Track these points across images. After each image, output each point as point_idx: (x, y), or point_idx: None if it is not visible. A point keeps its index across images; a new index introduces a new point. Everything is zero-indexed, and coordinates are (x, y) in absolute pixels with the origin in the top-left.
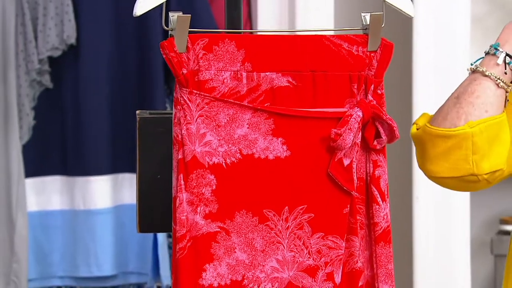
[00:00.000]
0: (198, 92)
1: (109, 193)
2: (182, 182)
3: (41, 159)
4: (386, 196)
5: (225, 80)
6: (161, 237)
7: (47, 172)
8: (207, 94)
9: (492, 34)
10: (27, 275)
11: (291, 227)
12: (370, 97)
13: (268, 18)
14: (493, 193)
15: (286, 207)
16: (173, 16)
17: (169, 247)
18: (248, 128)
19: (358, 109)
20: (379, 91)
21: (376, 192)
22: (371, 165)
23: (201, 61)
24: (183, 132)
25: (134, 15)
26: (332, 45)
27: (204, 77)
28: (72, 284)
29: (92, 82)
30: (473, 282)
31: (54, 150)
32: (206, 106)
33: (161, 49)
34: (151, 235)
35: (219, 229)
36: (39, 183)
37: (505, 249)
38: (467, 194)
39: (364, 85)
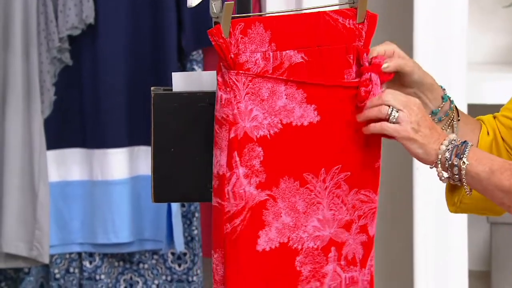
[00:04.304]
0: (243, 72)
1: (125, 164)
2: (237, 159)
3: (62, 132)
4: None
5: (257, 61)
6: (175, 206)
7: (67, 145)
8: (250, 73)
9: (489, 14)
10: (49, 242)
11: (329, 187)
12: (366, 64)
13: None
14: None
15: (323, 169)
16: (216, 3)
17: (182, 216)
18: (286, 98)
19: (369, 73)
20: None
21: None
22: None
23: (240, 44)
24: (234, 111)
25: (188, 7)
26: (331, 20)
27: (242, 60)
28: (91, 250)
29: (110, 60)
30: (469, 249)
31: (74, 123)
32: (250, 84)
33: (209, 36)
34: (165, 204)
35: (267, 197)
36: (59, 155)
37: (500, 217)
38: None
39: (356, 55)
